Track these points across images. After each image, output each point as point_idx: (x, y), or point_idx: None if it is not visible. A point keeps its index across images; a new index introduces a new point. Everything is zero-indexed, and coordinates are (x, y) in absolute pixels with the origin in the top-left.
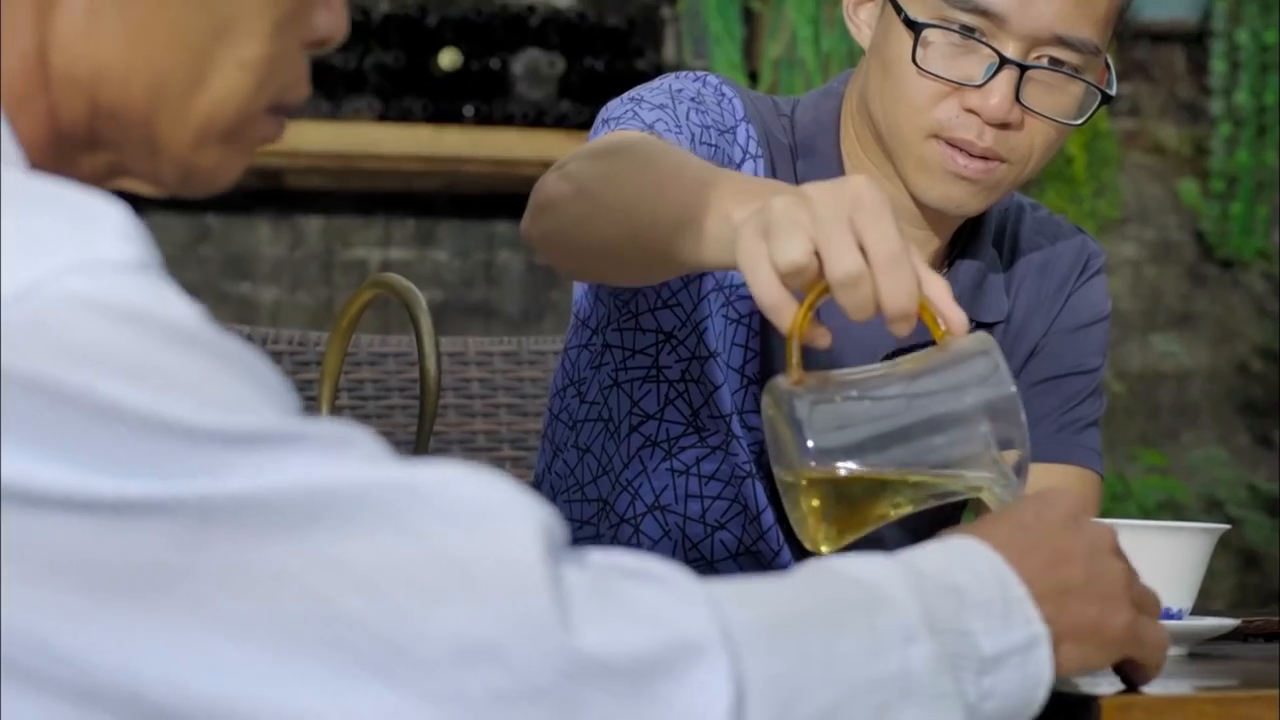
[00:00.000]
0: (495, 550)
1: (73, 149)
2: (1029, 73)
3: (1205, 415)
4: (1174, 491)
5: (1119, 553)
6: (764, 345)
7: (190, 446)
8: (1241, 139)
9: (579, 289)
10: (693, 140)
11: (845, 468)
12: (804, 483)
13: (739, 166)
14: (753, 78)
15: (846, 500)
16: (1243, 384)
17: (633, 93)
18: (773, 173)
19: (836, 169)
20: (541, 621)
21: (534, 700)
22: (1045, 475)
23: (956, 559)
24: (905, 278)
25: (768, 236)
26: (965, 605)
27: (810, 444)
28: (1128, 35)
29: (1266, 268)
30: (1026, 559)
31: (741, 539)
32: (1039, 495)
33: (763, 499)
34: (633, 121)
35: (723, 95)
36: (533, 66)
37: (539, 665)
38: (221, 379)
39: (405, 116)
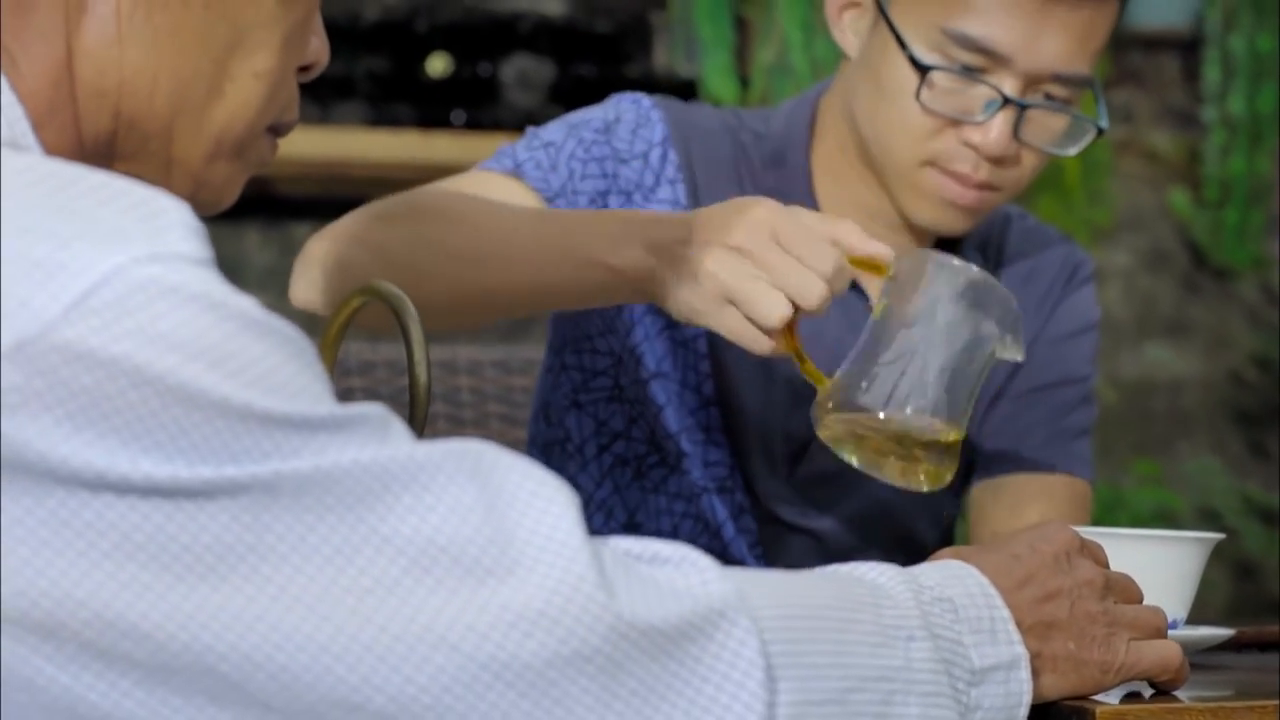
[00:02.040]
0: (541, 525)
1: (93, 162)
2: (1027, 110)
3: (1199, 424)
4: (1168, 501)
5: (1105, 593)
6: (716, 364)
7: (261, 430)
8: (1235, 147)
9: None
10: (570, 176)
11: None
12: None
13: (652, 191)
14: (744, 83)
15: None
16: (1237, 393)
17: (546, 125)
18: (695, 195)
19: (804, 179)
20: (587, 590)
21: (582, 664)
22: (1035, 483)
23: (950, 577)
24: (828, 256)
25: (736, 301)
26: (958, 618)
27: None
28: (1120, 42)
29: (1260, 276)
30: (1017, 591)
31: (708, 553)
32: (1036, 529)
33: (722, 513)
34: (504, 161)
35: (648, 120)
36: (522, 73)
37: (586, 630)
38: (288, 366)
39: (395, 123)
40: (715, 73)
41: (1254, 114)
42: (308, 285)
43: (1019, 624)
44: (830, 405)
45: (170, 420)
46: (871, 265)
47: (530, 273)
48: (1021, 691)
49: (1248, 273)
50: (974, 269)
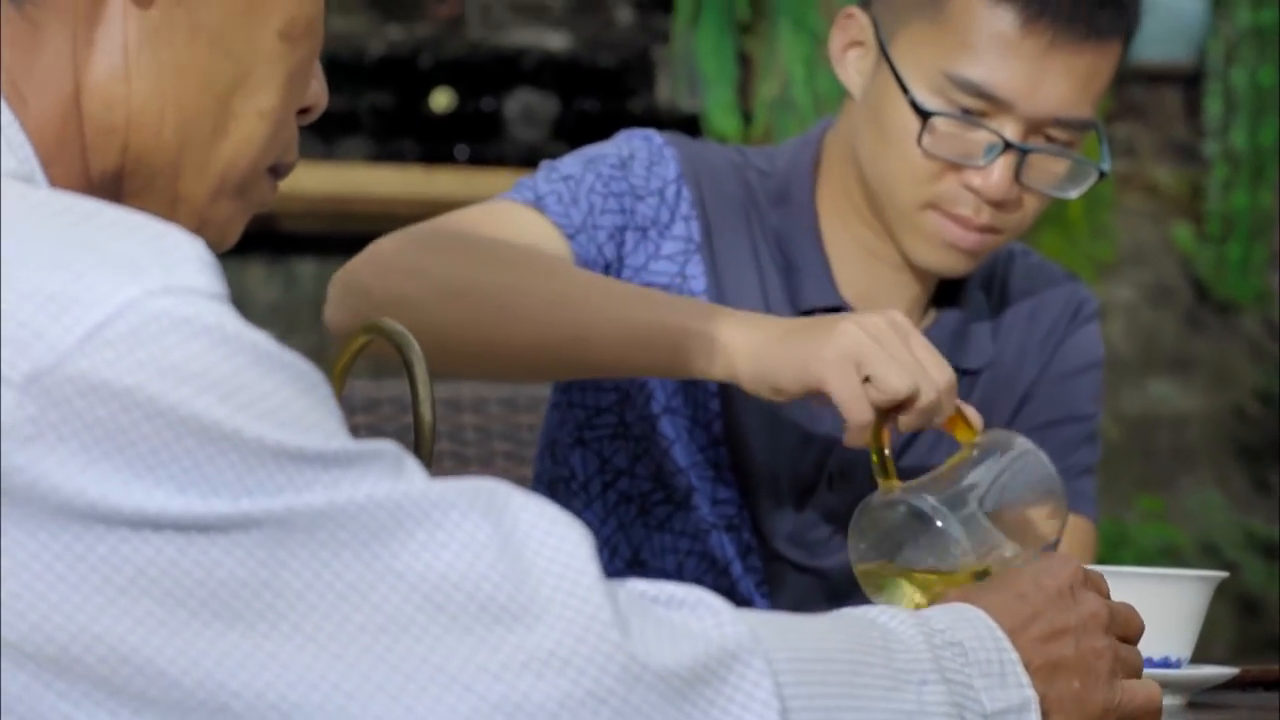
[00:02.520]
0: (555, 564)
1: (101, 199)
2: (1029, 154)
3: (1202, 459)
4: (1171, 536)
5: (1109, 626)
6: (725, 403)
7: (275, 465)
8: (1237, 181)
9: None
10: (590, 211)
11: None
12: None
13: (668, 227)
14: (746, 119)
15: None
16: (1240, 428)
17: (561, 159)
18: (708, 233)
19: (810, 217)
20: (600, 630)
21: (597, 706)
22: None
23: (959, 619)
24: (947, 370)
25: (866, 363)
26: (968, 661)
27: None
28: (1122, 76)
29: (1263, 311)
30: (1023, 631)
31: (715, 591)
32: (1041, 564)
33: (729, 551)
34: (524, 192)
35: (661, 156)
36: (526, 108)
37: (600, 671)
38: (301, 400)
39: (399, 158)
40: (718, 108)
41: (1256, 148)
42: (341, 309)
43: (1026, 665)
44: (929, 507)
45: (184, 452)
46: (964, 424)
47: (625, 328)
48: None
49: (1250, 307)
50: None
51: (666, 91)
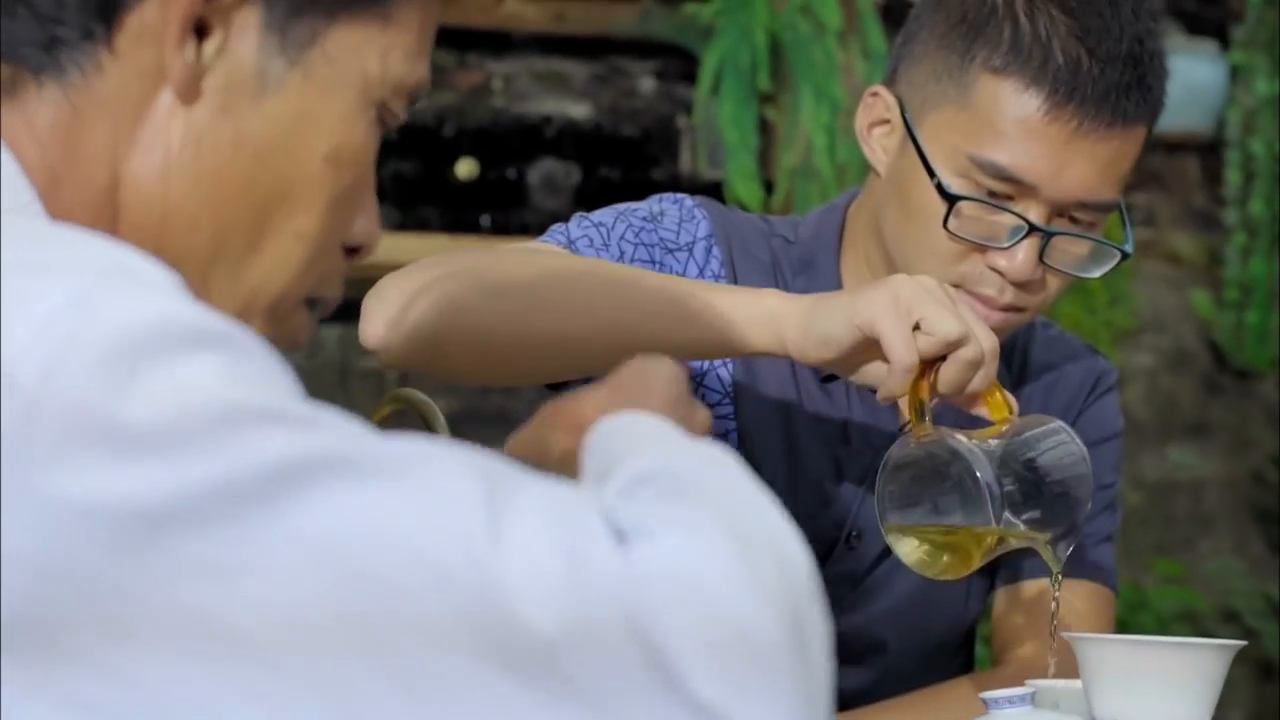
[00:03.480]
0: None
1: None
2: (1053, 236)
3: (1221, 525)
4: (1190, 601)
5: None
6: (745, 464)
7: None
8: (1255, 248)
9: None
10: (620, 258)
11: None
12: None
13: None
14: (768, 188)
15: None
16: (1259, 493)
17: (594, 211)
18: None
19: (834, 285)
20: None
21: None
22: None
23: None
24: (991, 335)
25: (912, 312)
26: None
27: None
28: (1142, 146)
29: None
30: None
31: None
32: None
33: None
34: (557, 236)
35: (692, 216)
36: (549, 176)
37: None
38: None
39: (423, 226)
40: (739, 176)
41: (1274, 216)
42: (380, 323)
43: None
44: (971, 454)
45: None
46: (1003, 400)
47: (664, 305)
48: None
49: (1268, 373)
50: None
51: (688, 160)
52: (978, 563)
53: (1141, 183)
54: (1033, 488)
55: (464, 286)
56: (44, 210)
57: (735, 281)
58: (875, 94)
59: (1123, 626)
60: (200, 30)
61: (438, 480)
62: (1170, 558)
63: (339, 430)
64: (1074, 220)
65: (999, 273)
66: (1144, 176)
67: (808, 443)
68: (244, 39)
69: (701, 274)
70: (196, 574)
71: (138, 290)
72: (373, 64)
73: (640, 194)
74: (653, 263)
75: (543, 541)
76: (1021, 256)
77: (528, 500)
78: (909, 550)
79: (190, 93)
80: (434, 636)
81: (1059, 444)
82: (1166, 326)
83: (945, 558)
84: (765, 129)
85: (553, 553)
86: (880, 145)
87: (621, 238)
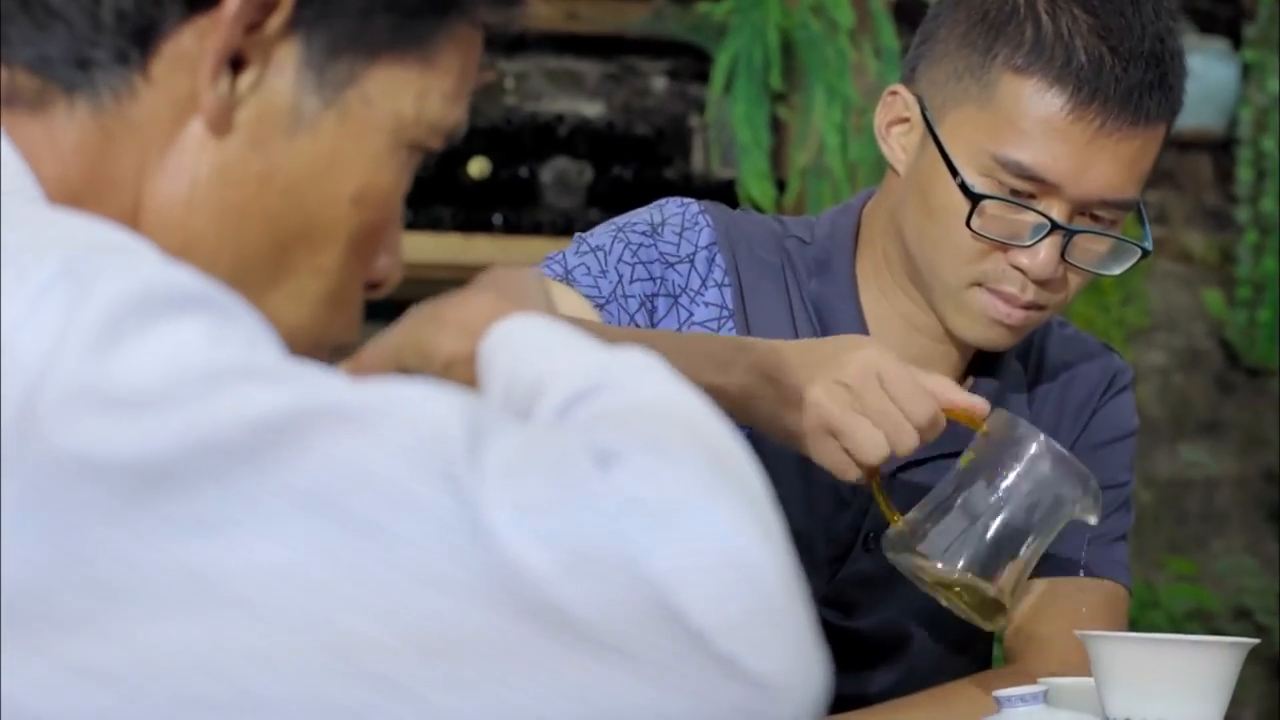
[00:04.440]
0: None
1: None
2: (1075, 234)
3: (1234, 523)
4: (1203, 600)
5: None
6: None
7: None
8: (1268, 247)
9: None
10: (619, 281)
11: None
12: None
13: (699, 293)
14: (780, 187)
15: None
16: (1271, 492)
17: (594, 230)
18: (741, 298)
19: (849, 286)
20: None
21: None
22: (1071, 587)
23: None
24: (926, 408)
25: (838, 434)
26: None
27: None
28: None
29: None
30: None
31: None
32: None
33: None
34: (554, 267)
35: (695, 224)
36: (561, 175)
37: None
38: None
39: (435, 225)
40: (752, 175)
41: None
42: None
43: None
44: (897, 543)
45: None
46: (967, 417)
47: None
48: None
49: None
50: (1055, 445)
51: (701, 159)
52: (1012, 604)
53: (1153, 181)
54: (1015, 519)
55: None
56: (43, 196)
57: (741, 287)
58: (894, 92)
59: (1134, 625)
60: (236, 63)
61: (420, 423)
62: (1182, 556)
63: (322, 383)
64: (1095, 218)
65: (1021, 271)
66: (1156, 175)
67: None
68: (280, 75)
69: (704, 284)
70: (189, 532)
71: (125, 259)
72: (409, 106)
73: (653, 193)
74: (651, 279)
75: (529, 477)
76: (1044, 255)
77: (509, 438)
78: (951, 603)
79: (221, 125)
80: (429, 580)
81: (1041, 468)
82: (1179, 325)
83: (985, 610)
84: (778, 128)
85: (540, 487)
86: (899, 144)
87: (619, 260)
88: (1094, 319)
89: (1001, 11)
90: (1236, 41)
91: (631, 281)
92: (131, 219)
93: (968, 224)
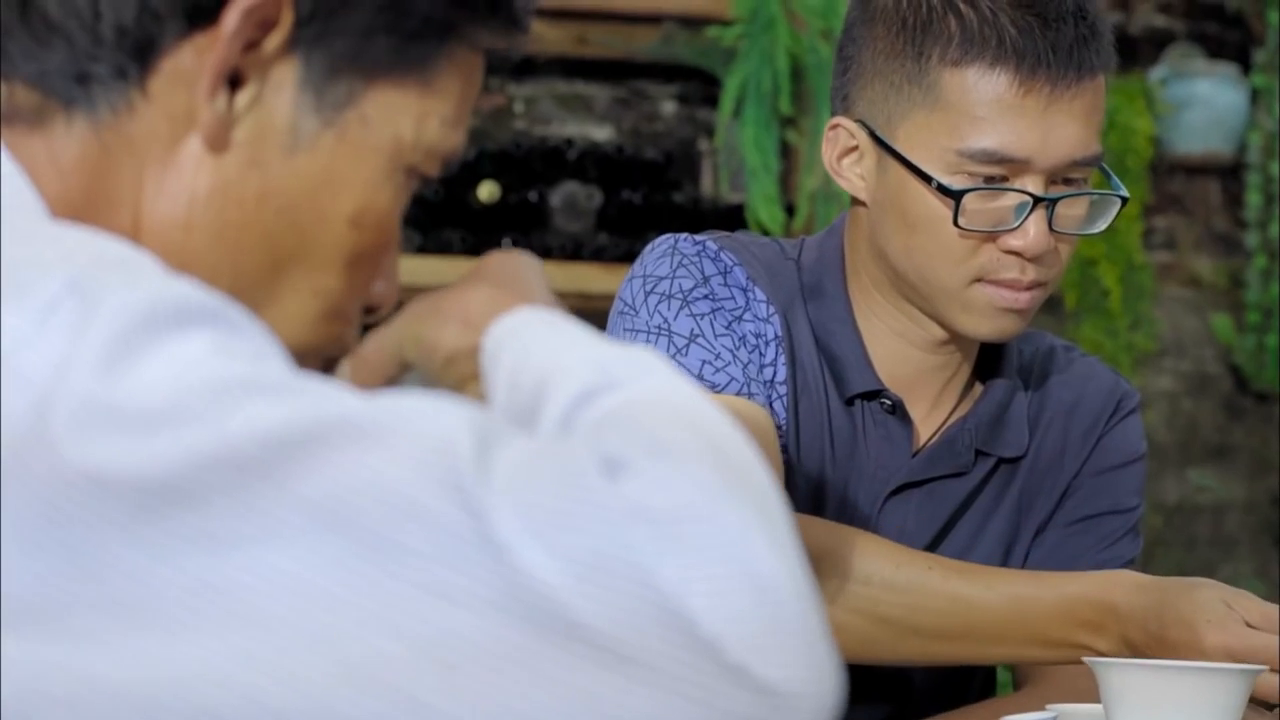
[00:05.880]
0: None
1: None
2: (1057, 202)
3: (1242, 548)
4: None
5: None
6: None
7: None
8: (1277, 272)
9: None
10: (744, 368)
11: None
12: None
13: (760, 335)
14: (789, 211)
15: None
16: (1279, 517)
17: (648, 310)
18: (786, 324)
19: (845, 309)
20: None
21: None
22: None
23: None
24: None
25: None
26: None
27: None
28: (1163, 168)
29: None
30: None
31: None
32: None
33: None
34: (706, 382)
35: (727, 266)
36: (570, 199)
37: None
38: None
39: (444, 249)
40: (761, 200)
41: None
42: None
43: None
44: None
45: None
46: None
47: (998, 652)
48: None
49: None
50: None
51: (710, 183)
52: None
53: (1162, 206)
54: None
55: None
56: (46, 212)
57: (782, 313)
58: (835, 126)
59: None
60: (235, 81)
61: (429, 437)
62: None
63: (330, 397)
64: (1069, 182)
65: (1016, 253)
66: (1164, 199)
67: (824, 463)
68: (279, 94)
69: (759, 322)
70: (201, 547)
71: (129, 275)
72: (407, 129)
73: (661, 217)
74: (743, 341)
75: (537, 488)
76: (1034, 231)
77: (517, 450)
78: None
79: (219, 142)
80: (439, 591)
81: None
82: (1187, 350)
83: None
84: (787, 152)
85: (548, 499)
86: (854, 174)
87: (716, 335)
88: (1102, 343)
89: (919, 15)
90: (1246, 67)
91: (736, 350)
92: (131, 236)
93: (955, 222)
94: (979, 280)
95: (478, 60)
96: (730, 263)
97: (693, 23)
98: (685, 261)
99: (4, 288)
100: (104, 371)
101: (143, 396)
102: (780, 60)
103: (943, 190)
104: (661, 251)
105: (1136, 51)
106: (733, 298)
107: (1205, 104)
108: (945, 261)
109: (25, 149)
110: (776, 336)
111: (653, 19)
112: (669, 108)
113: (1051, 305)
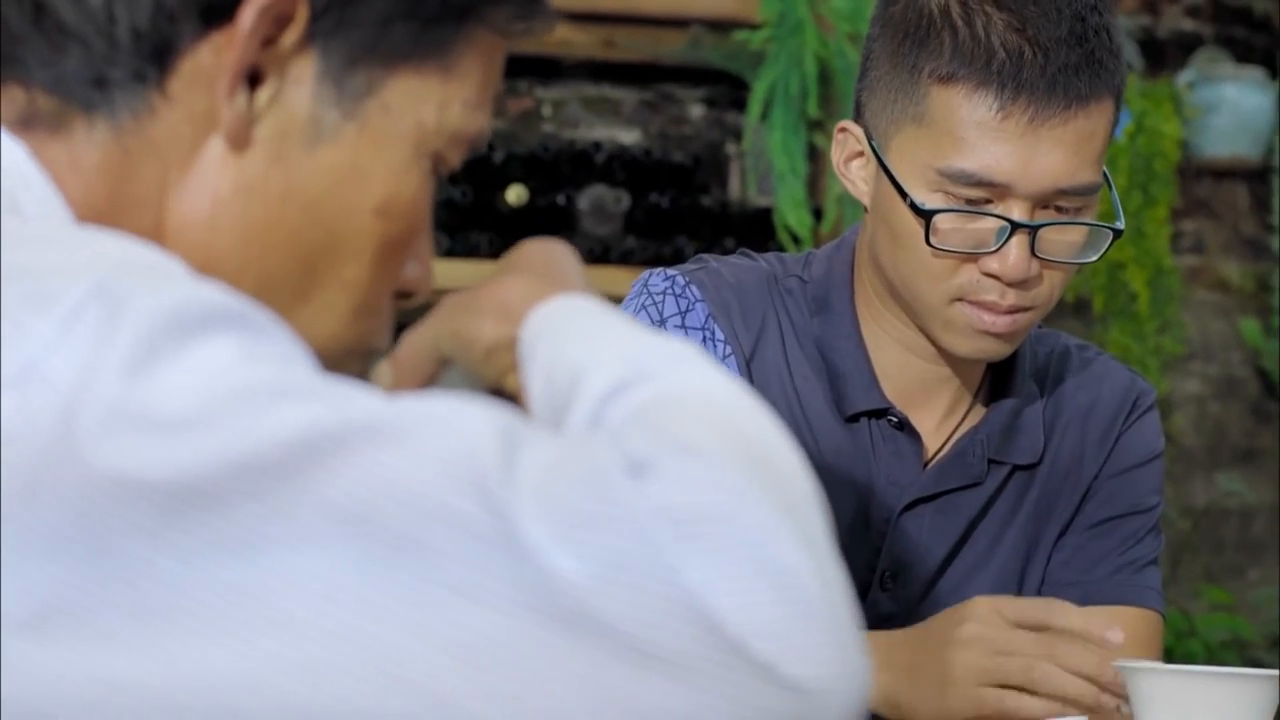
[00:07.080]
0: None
1: None
2: (1039, 229)
3: (1270, 552)
4: (1239, 629)
5: None
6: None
7: None
8: None
9: None
10: None
11: None
12: None
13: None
14: (817, 215)
15: None
16: None
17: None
18: (744, 361)
19: (850, 321)
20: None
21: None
22: (1105, 616)
23: None
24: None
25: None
26: None
27: None
28: (1190, 172)
29: None
30: None
31: None
32: None
33: None
34: None
35: (690, 303)
36: (598, 203)
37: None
38: None
39: (472, 252)
40: (789, 203)
41: None
42: None
43: None
44: None
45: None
46: None
47: None
48: None
49: None
50: None
51: (737, 187)
52: None
53: (1190, 210)
54: None
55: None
56: (70, 217)
57: (740, 350)
58: (844, 129)
59: (1170, 654)
60: (254, 78)
61: (454, 438)
62: (1219, 585)
63: (356, 399)
64: (1059, 209)
65: (995, 277)
66: (1192, 203)
67: (831, 483)
68: (299, 88)
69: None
70: (229, 551)
71: (154, 279)
72: (430, 115)
73: (689, 220)
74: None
75: (563, 489)
76: (1013, 256)
77: (543, 450)
78: None
79: (241, 141)
80: (467, 592)
81: None
82: (1215, 354)
83: None
84: (815, 156)
85: (574, 500)
86: (859, 178)
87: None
88: (1129, 347)
89: (919, 26)
90: (1273, 71)
91: None
92: (155, 238)
93: (927, 241)
94: (960, 300)
95: (498, 42)
96: (693, 299)
97: (720, 26)
98: (648, 302)
99: (29, 294)
100: (130, 377)
101: (169, 401)
102: (808, 64)
103: (914, 209)
104: (637, 288)
105: (1164, 55)
106: (687, 339)
107: (1233, 107)
108: (925, 278)
109: (47, 154)
110: (734, 373)
111: (680, 22)
112: (697, 111)
113: (1080, 309)
